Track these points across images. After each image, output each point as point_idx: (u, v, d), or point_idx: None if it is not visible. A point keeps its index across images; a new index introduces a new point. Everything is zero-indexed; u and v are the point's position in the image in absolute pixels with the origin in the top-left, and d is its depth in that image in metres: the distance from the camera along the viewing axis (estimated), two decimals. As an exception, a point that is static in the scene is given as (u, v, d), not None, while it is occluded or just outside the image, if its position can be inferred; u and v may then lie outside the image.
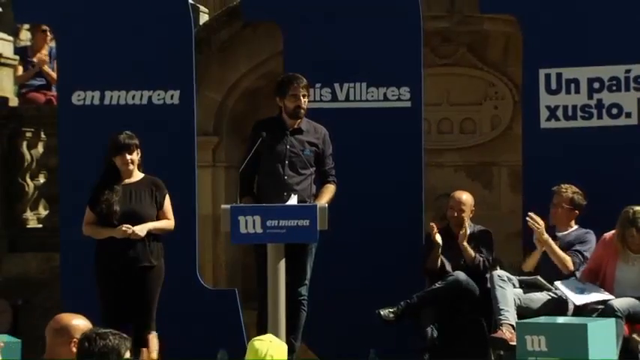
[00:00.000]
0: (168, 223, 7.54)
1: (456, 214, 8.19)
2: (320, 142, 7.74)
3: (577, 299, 7.50)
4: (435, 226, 8.11)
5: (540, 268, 7.87)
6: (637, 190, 7.65)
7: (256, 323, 7.64)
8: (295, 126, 7.67)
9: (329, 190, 7.70)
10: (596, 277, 7.68)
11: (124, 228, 7.31)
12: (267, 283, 7.40)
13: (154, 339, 6.76)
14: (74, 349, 5.35)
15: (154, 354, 5.22)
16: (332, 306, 8.07)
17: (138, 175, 7.54)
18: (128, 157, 7.45)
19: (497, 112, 9.60)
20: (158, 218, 7.49)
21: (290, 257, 7.32)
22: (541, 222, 7.74)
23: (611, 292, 7.54)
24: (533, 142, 8.38)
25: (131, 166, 7.48)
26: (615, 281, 7.59)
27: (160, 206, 7.50)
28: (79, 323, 5.42)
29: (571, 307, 7.69)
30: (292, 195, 7.48)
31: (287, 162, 7.60)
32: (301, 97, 7.64)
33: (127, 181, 7.49)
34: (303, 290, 7.58)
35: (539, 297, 7.73)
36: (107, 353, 4.91)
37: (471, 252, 8.10)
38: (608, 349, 6.81)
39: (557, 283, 7.58)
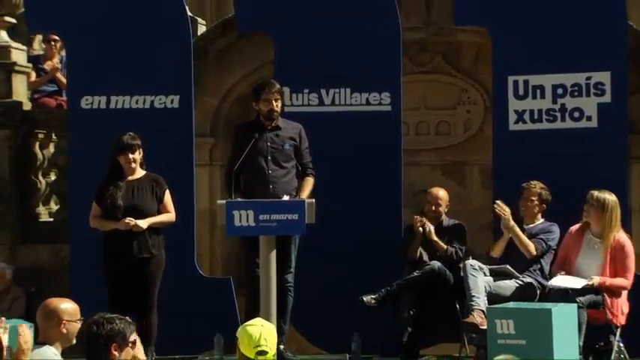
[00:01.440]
0: (168, 216, 7.52)
1: (434, 208, 8.18)
2: (297, 136, 7.70)
3: (572, 283, 7.42)
4: (419, 218, 8.08)
5: (509, 256, 7.86)
6: (597, 186, 7.62)
7: (244, 309, 7.61)
8: (274, 124, 7.62)
9: (309, 183, 7.66)
10: (564, 264, 7.67)
11: (126, 221, 7.30)
12: (254, 272, 7.39)
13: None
14: (64, 331, 5.34)
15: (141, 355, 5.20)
16: (319, 293, 8.07)
17: (140, 173, 7.52)
18: (131, 156, 7.43)
19: (470, 115, 9.59)
20: (159, 212, 7.48)
21: (276, 248, 7.28)
22: (507, 209, 7.74)
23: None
24: (503, 143, 8.39)
25: (133, 165, 7.46)
26: (577, 266, 7.56)
27: (160, 201, 7.48)
28: (66, 306, 5.40)
29: (537, 292, 7.69)
30: (285, 196, 7.44)
31: (269, 157, 7.55)
32: (273, 101, 7.58)
33: (130, 178, 7.47)
34: (290, 277, 7.56)
35: (508, 284, 7.72)
36: (113, 336, 4.89)
37: (442, 245, 8.07)
38: (571, 332, 6.81)
39: (552, 282, 7.49)
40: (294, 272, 7.61)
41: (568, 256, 7.65)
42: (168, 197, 7.53)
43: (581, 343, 7.25)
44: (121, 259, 7.36)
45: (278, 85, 7.67)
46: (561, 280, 7.42)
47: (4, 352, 4.75)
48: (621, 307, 7.52)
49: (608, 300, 7.44)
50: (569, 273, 7.57)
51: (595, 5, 8.21)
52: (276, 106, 7.60)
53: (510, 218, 7.74)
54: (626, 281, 7.52)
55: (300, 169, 7.71)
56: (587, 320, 7.31)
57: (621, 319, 7.51)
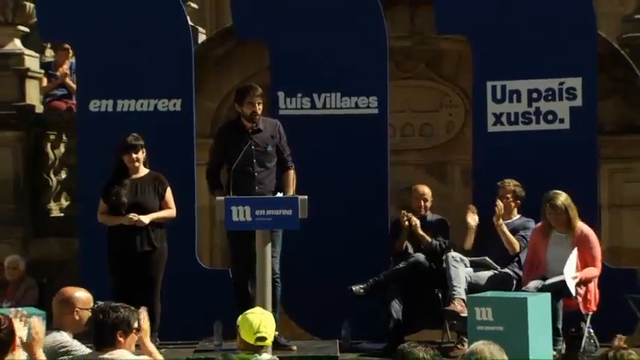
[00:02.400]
0: (169, 212, 7.54)
1: (421, 203, 8.21)
2: (276, 133, 7.66)
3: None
4: (405, 213, 8.11)
5: (489, 249, 7.88)
6: (569, 183, 7.66)
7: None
8: (255, 127, 7.60)
9: (292, 177, 7.65)
10: (533, 263, 7.67)
11: (130, 216, 7.33)
12: (242, 265, 7.40)
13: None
14: (77, 317, 5.36)
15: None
16: (312, 284, 8.08)
17: (143, 171, 7.54)
18: (134, 155, 7.47)
19: (451, 118, 9.59)
20: (161, 208, 7.51)
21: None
22: (502, 207, 7.78)
23: (546, 274, 7.55)
24: (482, 143, 8.41)
25: (137, 164, 7.48)
26: (548, 263, 7.59)
27: (161, 197, 7.51)
28: (80, 295, 5.43)
29: (514, 282, 7.72)
30: (278, 193, 7.46)
31: (255, 160, 7.52)
32: (256, 105, 7.54)
33: (133, 176, 7.50)
34: (277, 268, 7.49)
35: (487, 275, 7.75)
36: (119, 324, 4.91)
37: (427, 238, 8.11)
38: (545, 319, 6.84)
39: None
40: (279, 264, 7.54)
41: (537, 255, 7.66)
42: (169, 194, 7.55)
43: (560, 326, 7.29)
44: (125, 253, 7.39)
45: (260, 90, 7.66)
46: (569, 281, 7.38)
47: (17, 341, 4.77)
48: (592, 295, 7.55)
49: (581, 290, 7.47)
50: (540, 271, 7.58)
51: (567, 16, 8.23)
52: (259, 109, 7.58)
53: (500, 217, 7.76)
54: (596, 270, 7.55)
55: (281, 162, 7.66)
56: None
57: (592, 307, 7.55)
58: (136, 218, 7.35)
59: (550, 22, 8.22)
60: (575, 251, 7.43)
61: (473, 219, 7.89)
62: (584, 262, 7.52)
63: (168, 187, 7.55)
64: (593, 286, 7.56)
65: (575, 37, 8.21)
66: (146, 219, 7.37)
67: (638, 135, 9.16)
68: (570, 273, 7.36)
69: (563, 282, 7.31)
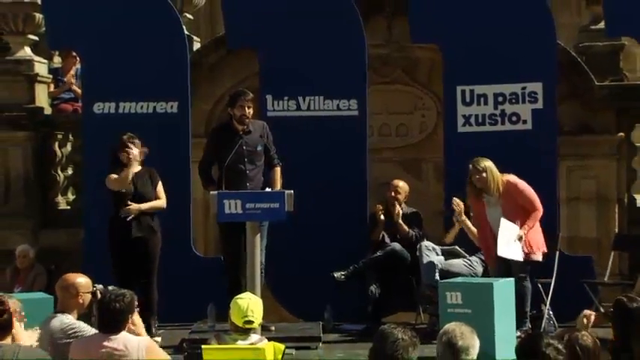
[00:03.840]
0: (160, 202, 7.54)
1: (393, 194, 8.20)
2: (264, 133, 7.65)
3: (512, 251, 7.27)
4: (381, 207, 8.11)
5: (463, 240, 7.88)
6: (531, 178, 7.65)
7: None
8: (246, 129, 7.57)
9: (278, 174, 7.64)
10: (483, 234, 7.51)
11: (126, 209, 7.36)
12: (233, 254, 7.38)
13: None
14: (80, 301, 5.36)
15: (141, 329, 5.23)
16: (297, 270, 8.06)
17: (138, 167, 7.53)
18: (131, 151, 7.42)
19: (425, 119, 9.58)
20: (156, 198, 7.53)
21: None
22: (461, 204, 7.73)
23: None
24: (452, 142, 8.41)
25: (132, 159, 7.44)
26: (492, 227, 7.41)
27: (154, 187, 7.51)
28: (82, 280, 5.43)
29: (481, 270, 7.68)
30: (267, 188, 7.43)
31: (246, 159, 7.50)
32: (246, 108, 7.52)
33: (131, 170, 7.47)
34: (263, 259, 7.42)
35: (457, 262, 7.74)
36: (126, 311, 4.96)
37: (405, 228, 8.11)
38: (509, 302, 6.85)
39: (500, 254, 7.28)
40: (265, 253, 7.49)
41: (482, 225, 7.50)
42: (160, 186, 7.56)
43: (528, 310, 7.26)
44: (124, 241, 7.38)
45: (252, 95, 7.64)
46: (504, 252, 7.23)
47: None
48: (536, 243, 7.34)
49: (527, 241, 7.25)
50: (488, 238, 7.42)
51: (530, 27, 8.24)
52: (248, 112, 7.55)
53: (462, 212, 7.74)
54: (537, 212, 7.30)
55: (268, 160, 7.64)
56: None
57: (537, 256, 7.34)
58: (133, 208, 7.35)
59: (514, 33, 8.22)
60: (502, 221, 7.23)
61: (459, 218, 7.69)
62: (523, 210, 7.30)
63: (159, 180, 7.56)
64: (536, 232, 7.32)
65: (537, 46, 8.21)
66: (137, 209, 7.38)
67: (593, 135, 9.20)
68: (510, 241, 7.19)
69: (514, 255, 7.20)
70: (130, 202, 7.39)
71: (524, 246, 7.28)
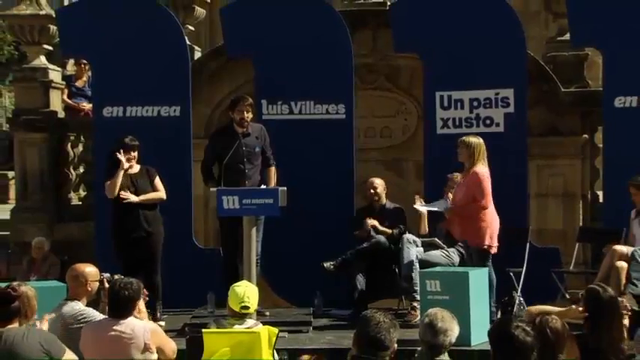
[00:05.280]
0: (158, 194, 7.48)
1: (372, 191, 8.16)
2: (262, 135, 7.64)
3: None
4: (373, 222, 7.94)
5: (437, 232, 7.87)
6: (503, 176, 7.63)
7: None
8: (245, 131, 7.55)
9: (273, 173, 7.64)
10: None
11: (122, 194, 7.31)
12: (231, 246, 7.34)
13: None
14: (89, 289, 5.36)
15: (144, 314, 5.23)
16: (290, 260, 8.04)
17: (137, 168, 7.50)
18: (132, 153, 7.39)
19: (407, 122, 9.60)
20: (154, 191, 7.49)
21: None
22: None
23: None
24: (432, 143, 8.40)
25: (133, 161, 7.40)
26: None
27: (152, 182, 7.46)
28: (90, 270, 5.44)
29: (458, 260, 7.63)
30: (262, 185, 7.40)
31: (245, 159, 7.47)
32: (244, 112, 7.49)
33: (130, 172, 7.43)
34: (259, 250, 7.41)
35: (436, 253, 7.69)
36: (135, 298, 4.95)
37: (388, 231, 7.98)
38: (483, 290, 6.85)
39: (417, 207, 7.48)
40: (260, 244, 7.46)
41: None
42: (158, 180, 7.51)
43: (494, 298, 7.26)
44: (129, 234, 7.34)
45: (250, 100, 7.62)
46: (421, 207, 7.33)
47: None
48: (495, 237, 7.12)
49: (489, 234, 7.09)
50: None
51: (502, 39, 8.24)
52: (247, 116, 7.52)
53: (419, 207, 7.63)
54: (479, 205, 7.03)
55: (264, 160, 7.63)
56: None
57: (494, 249, 7.12)
58: (131, 197, 7.31)
59: (488, 44, 8.21)
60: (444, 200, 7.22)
61: (420, 206, 7.73)
62: (473, 198, 7.09)
63: (157, 175, 7.51)
64: (485, 222, 7.10)
65: (509, 56, 8.20)
66: (136, 198, 7.34)
67: (560, 137, 9.22)
68: (434, 206, 7.30)
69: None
70: (128, 193, 7.33)
71: (486, 238, 7.13)
